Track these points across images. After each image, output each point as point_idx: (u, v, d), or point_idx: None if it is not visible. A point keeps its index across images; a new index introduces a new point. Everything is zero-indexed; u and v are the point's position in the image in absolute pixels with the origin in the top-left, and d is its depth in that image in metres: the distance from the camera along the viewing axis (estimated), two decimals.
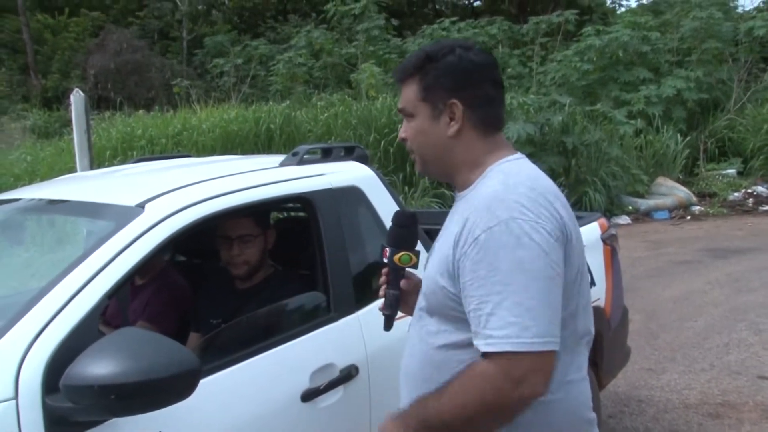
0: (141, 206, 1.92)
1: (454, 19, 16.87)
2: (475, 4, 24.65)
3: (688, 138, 12.73)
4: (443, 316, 1.49)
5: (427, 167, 1.62)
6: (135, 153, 9.13)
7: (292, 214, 3.32)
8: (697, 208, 11.21)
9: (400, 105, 1.59)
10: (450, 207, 1.62)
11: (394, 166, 9.62)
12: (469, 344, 1.40)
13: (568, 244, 1.42)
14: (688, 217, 10.86)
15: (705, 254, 8.21)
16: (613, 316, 3.27)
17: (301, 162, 2.40)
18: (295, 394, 1.98)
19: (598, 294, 3.10)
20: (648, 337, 5.29)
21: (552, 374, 1.36)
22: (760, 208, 11.18)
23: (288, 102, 12.23)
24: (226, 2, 22.87)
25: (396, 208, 2.36)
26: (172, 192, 2.01)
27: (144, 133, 10.02)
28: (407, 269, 1.71)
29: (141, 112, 12.60)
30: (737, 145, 13.07)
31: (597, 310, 2.78)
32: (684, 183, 12.02)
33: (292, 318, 2.35)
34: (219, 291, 2.51)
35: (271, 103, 12.10)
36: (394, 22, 17.14)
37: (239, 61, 16.76)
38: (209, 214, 1.99)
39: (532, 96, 11.83)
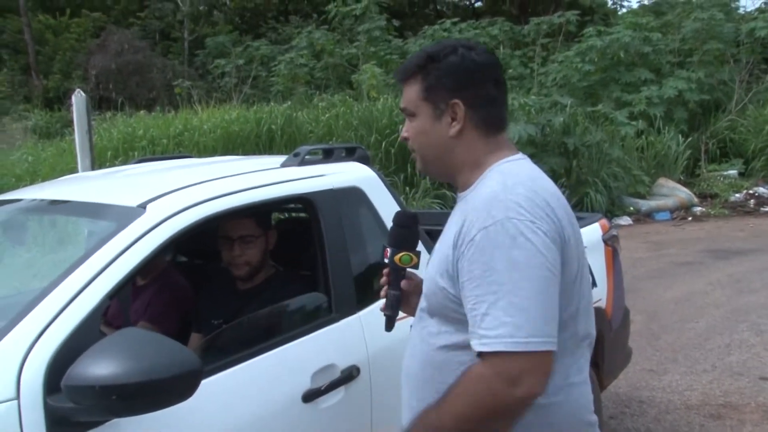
0: (142, 207, 1.91)
1: (456, 19, 16.89)
2: (477, 4, 24.67)
3: (690, 139, 12.73)
4: (444, 317, 1.49)
5: (428, 167, 1.62)
6: (136, 153, 9.14)
7: (294, 214, 3.32)
8: (699, 209, 11.21)
9: (402, 104, 1.59)
10: (451, 208, 1.62)
11: (396, 167, 9.63)
12: (469, 345, 1.40)
13: (564, 246, 1.41)
14: (690, 218, 10.86)
15: (706, 255, 8.20)
16: (614, 317, 3.27)
17: (303, 163, 2.40)
18: (296, 395, 1.98)
19: (600, 295, 3.10)
20: (649, 338, 5.28)
21: (549, 375, 1.35)
22: (762, 209, 11.17)
23: (289, 103, 12.25)
24: (228, 3, 22.90)
25: (397, 208, 2.36)
26: (173, 192, 2.01)
27: (145, 134, 10.04)
28: (408, 270, 1.71)
29: (142, 112, 12.62)
30: (739, 146, 13.07)
31: (598, 311, 2.78)
32: (685, 184, 12.02)
33: (293, 319, 2.35)
34: (220, 291, 2.51)
35: (272, 103, 12.12)
36: (396, 22, 17.17)
37: (240, 61, 16.79)
38: (211, 214, 1.99)
39: (533, 97, 11.85)
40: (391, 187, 2.54)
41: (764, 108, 13.26)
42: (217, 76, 17.33)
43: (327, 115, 10.94)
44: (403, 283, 1.70)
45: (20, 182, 8.55)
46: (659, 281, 7.04)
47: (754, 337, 5.23)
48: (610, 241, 3.29)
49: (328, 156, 2.52)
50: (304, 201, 2.33)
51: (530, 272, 1.33)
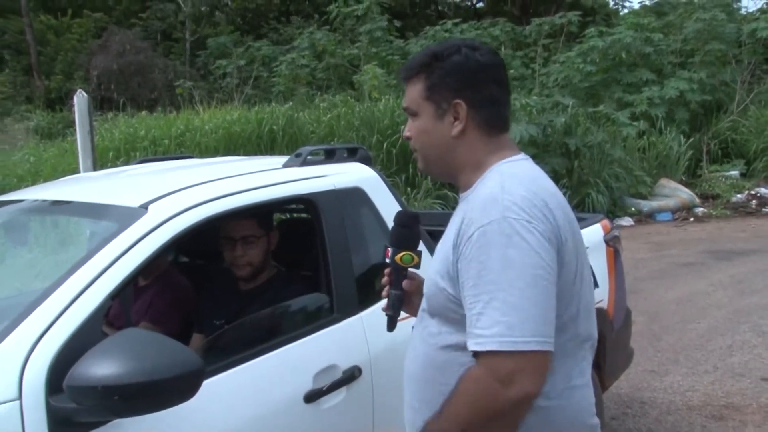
0: (144, 207, 1.92)
1: (457, 20, 16.90)
2: (478, 5, 24.69)
3: (691, 139, 12.72)
4: (444, 318, 1.49)
5: (430, 167, 1.61)
6: (138, 154, 9.14)
7: (295, 215, 3.32)
8: (700, 209, 11.20)
9: (405, 103, 1.59)
10: (453, 209, 1.62)
11: (397, 168, 9.62)
12: None
13: (561, 247, 1.40)
14: (691, 219, 10.85)
15: (708, 256, 8.19)
16: (616, 317, 3.27)
17: (304, 163, 2.40)
18: (298, 395, 1.98)
19: (601, 295, 3.09)
20: (651, 338, 5.28)
21: (545, 375, 1.34)
22: (764, 209, 11.16)
23: (291, 103, 12.25)
24: (229, 3, 22.92)
25: (399, 209, 2.36)
26: (175, 193, 2.02)
27: (147, 134, 10.04)
28: (410, 270, 1.71)
29: (144, 113, 12.63)
30: (740, 147, 13.06)
31: (600, 312, 2.78)
32: (687, 184, 12.01)
33: (295, 319, 2.36)
34: (222, 292, 2.51)
35: (273, 104, 12.12)
36: (397, 23, 17.17)
37: (242, 62, 16.80)
38: (212, 215, 1.99)
39: (534, 97, 11.85)
40: (393, 187, 2.54)
41: (766, 108, 13.26)
42: (219, 77, 17.34)
43: (328, 116, 10.94)
44: (405, 283, 1.70)
45: (22, 183, 8.55)
46: (661, 282, 7.04)
47: (756, 338, 5.22)
48: (612, 242, 3.29)
49: (330, 157, 2.52)
50: (306, 201, 2.33)
51: (525, 271, 1.32)
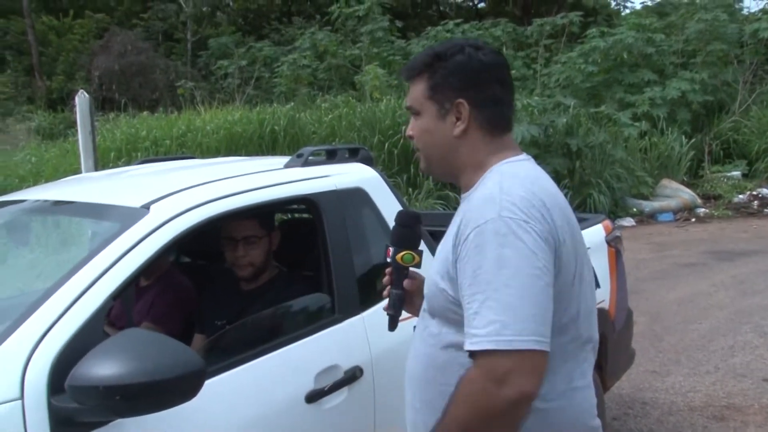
0: (146, 207, 1.92)
1: (459, 21, 16.90)
2: (480, 5, 24.69)
3: (693, 140, 12.71)
4: (445, 318, 1.49)
5: (432, 167, 1.61)
6: (139, 154, 9.15)
7: (297, 215, 3.32)
8: (702, 210, 11.18)
9: (408, 103, 1.59)
10: (454, 209, 1.62)
11: (398, 168, 9.62)
12: None
13: (559, 248, 1.39)
14: (693, 219, 10.84)
15: (710, 256, 8.19)
16: (617, 318, 3.27)
17: (306, 163, 2.41)
18: (299, 396, 1.98)
19: (603, 296, 3.09)
20: (652, 339, 5.27)
21: (541, 374, 1.32)
22: (765, 210, 11.15)
23: (292, 104, 12.26)
24: (231, 4, 22.92)
25: (400, 209, 2.36)
26: (177, 193, 2.02)
27: (148, 135, 10.05)
28: (412, 270, 1.71)
29: (145, 113, 12.65)
30: (742, 147, 13.04)
31: (601, 312, 2.77)
32: (689, 185, 12.00)
33: (296, 319, 2.36)
34: (224, 292, 2.51)
35: (275, 104, 12.13)
36: (399, 23, 17.18)
37: (243, 62, 16.80)
38: (214, 215, 1.99)
39: (536, 98, 11.84)
40: (394, 188, 2.54)
41: None
42: (220, 77, 17.35)
43: (330, 116, 10.94)
44: (406, 283, 1.69)
45: (24, 183, 8.56)
46: (662, 282, 7.03)
47: (758, 338, 5.21)
48: (613, 242, 3.29)
49: (332, 157, 2.52)
50: (308, 202, 2.33)
51: (519, 271, 1.31)
